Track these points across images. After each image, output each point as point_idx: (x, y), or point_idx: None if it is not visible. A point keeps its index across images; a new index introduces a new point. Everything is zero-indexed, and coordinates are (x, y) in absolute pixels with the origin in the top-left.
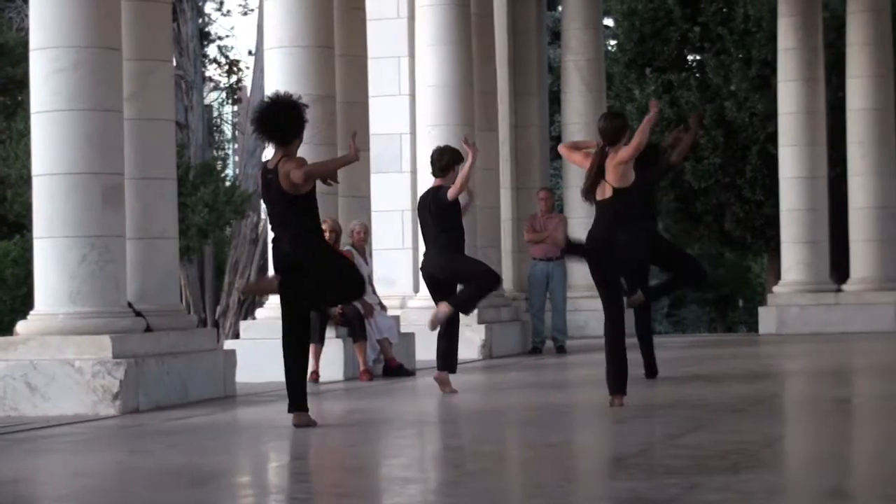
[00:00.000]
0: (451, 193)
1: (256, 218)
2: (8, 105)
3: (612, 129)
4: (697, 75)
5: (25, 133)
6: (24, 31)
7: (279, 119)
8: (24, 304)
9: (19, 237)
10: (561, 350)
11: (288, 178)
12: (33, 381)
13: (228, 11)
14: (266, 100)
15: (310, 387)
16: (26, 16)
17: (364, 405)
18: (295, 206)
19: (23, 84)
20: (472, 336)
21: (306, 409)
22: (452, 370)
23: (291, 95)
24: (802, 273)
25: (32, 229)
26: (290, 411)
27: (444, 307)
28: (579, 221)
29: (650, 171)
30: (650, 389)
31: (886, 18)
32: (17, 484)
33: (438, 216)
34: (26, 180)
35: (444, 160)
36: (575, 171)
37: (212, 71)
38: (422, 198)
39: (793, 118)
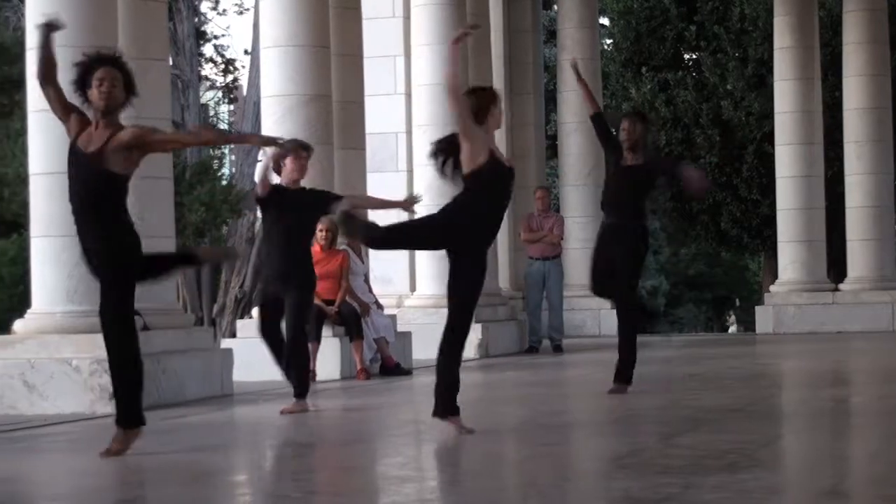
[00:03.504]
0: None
1: (253, 217)
2: (4, 104)
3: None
4: (694, 74)
5: (22, 132)
6: (20, 31)
7: None
8: (21, 302)
9: (16, 236)
10: (558, 349)
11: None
12: (31, 379)
13: (224, 11)
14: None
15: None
16: (23, 15)
17: (361, 404)
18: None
19: (20, 83)
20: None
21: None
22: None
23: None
24: (799, 272)
25: (29, 228)
26: None
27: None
28: (576, 221)
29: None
30: (645, 389)
31: (883, 17)
32: (14, 482)
33: None
34: (23, 179)
35: None
36: (572, 168)
37: (208, 70)
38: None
39: (789, 117)
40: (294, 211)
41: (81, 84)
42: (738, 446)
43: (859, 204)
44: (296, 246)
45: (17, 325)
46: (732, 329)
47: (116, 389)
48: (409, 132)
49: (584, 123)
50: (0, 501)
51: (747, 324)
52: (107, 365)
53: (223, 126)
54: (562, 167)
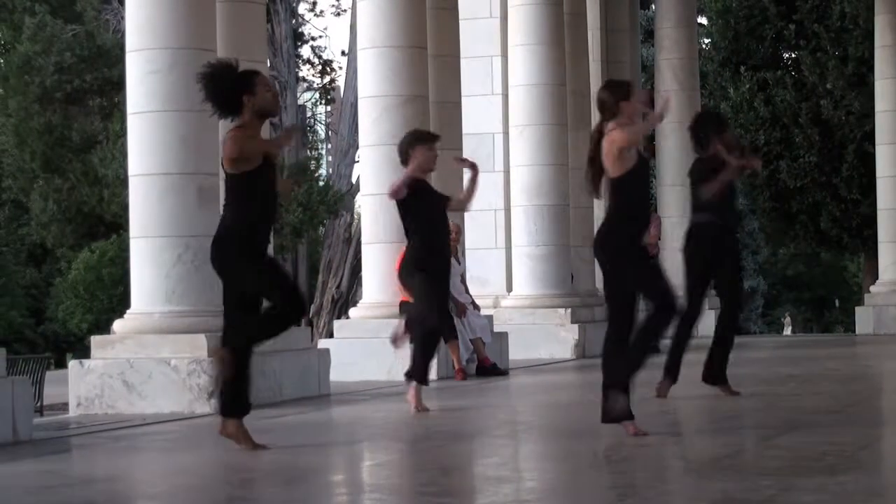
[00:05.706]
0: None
1: (350, 217)
2: (104, 106)
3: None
4: (793, 73)
5: (122, 134)
6: (120, 34)
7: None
8: (120, 303)
9: (116, 237)
10: (656, 350)
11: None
12: (130, 379)
13: (321, 12)
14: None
15: (405, 386)
16: (122, 18)
17: (458, 404)
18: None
19: (119, 85)
20: (565, 336)
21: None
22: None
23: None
24: None
25: (129, 229)
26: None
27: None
28: (673, 221)
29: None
30: (743, 390)
31: None
32: (113, 482)
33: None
34: (123, 181)
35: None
36: (669, 169)
37: (305, 71)
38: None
39: (890, 116)
40: None
41: (249, 89)
42: (838, 448)
43: None
44: None
45: (117, 325)
46: (787, 331)
47: None
48: (505, 132)
49: (682, 124)
50: (100, 500)
51: (847, 325)
52: (204, 365)
53: (320, 127)
54: (659, 168)
